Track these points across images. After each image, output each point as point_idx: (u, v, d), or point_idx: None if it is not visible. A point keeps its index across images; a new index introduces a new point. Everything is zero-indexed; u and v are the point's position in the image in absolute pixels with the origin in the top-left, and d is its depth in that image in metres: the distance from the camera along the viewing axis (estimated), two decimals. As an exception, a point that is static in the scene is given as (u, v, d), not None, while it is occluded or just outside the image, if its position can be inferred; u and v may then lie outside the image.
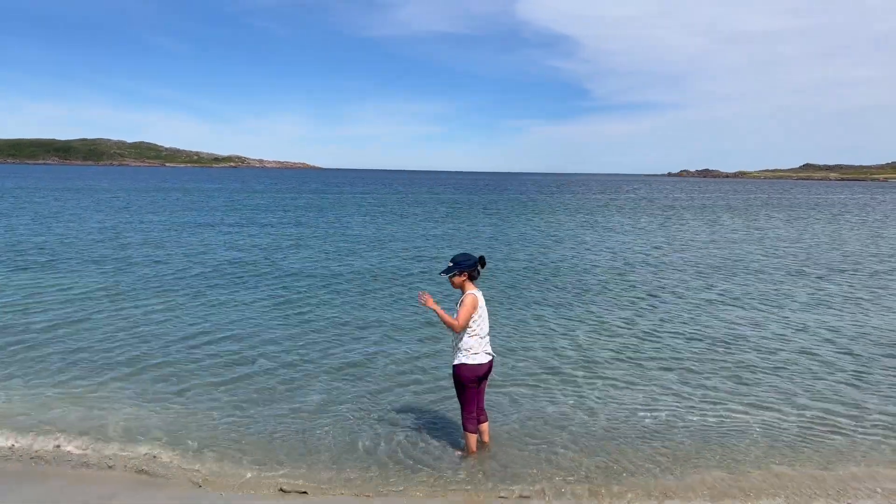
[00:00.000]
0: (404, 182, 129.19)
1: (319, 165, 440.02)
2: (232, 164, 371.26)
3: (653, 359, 9.55)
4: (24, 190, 60.47)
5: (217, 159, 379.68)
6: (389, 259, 19.59)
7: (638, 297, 14.08)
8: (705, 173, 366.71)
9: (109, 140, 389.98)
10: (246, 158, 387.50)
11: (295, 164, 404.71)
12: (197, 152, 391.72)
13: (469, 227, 31.72)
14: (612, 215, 41.64)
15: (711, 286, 15.63)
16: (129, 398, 7.68)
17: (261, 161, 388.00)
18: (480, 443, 6.34)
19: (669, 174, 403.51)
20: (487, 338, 6.11)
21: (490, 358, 6.12)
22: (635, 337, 10.78)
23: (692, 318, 12.17)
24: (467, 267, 5.98)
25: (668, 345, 10.32)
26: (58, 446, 6.40)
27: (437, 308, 5.91)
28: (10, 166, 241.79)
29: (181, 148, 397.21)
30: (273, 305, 12.73)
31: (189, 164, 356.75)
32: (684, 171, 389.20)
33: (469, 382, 6.01)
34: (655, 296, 14.32)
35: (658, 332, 11.14)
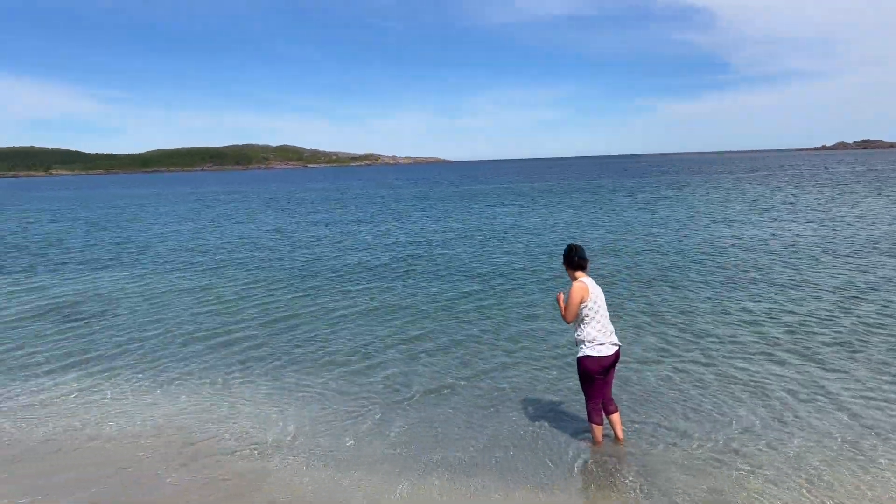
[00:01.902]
0: (538, 171, 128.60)
1: (450, 158, 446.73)
2: (367, 162, 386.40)
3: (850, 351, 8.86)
4: (196, 196, 66.82)
5: (354, 158, 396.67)
6: (542, 247, 19.59)
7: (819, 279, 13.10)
8: (865, 144, 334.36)
9: (256, 145, 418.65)
10: (380, 156, 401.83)
11: (427, 158, 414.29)
12: (336, 153, 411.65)
13: (619, 213, 30.93)
14: (770, 193, 38.96)
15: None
16: (350, 399, 8.04)
17: (394, 157, 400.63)
18: (614, 438, 6.22)
19: (824, 147, 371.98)
20: (611, 327, 6.04)
21: (616, 348, 6.02)
22: (810, 322, 10.05)
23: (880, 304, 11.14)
24: (566, 259, 6.16)
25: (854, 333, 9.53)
26: (281, 444, 6.52)
27: (561, 303, 6.10)
28: (174, 174, 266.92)
29: (321, 149, 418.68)
30: (451, 299, 13.11)
31: (329, 165, 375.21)
32: (841, 143, 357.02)
33: (595, 374, 5.95)
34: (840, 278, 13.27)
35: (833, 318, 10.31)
